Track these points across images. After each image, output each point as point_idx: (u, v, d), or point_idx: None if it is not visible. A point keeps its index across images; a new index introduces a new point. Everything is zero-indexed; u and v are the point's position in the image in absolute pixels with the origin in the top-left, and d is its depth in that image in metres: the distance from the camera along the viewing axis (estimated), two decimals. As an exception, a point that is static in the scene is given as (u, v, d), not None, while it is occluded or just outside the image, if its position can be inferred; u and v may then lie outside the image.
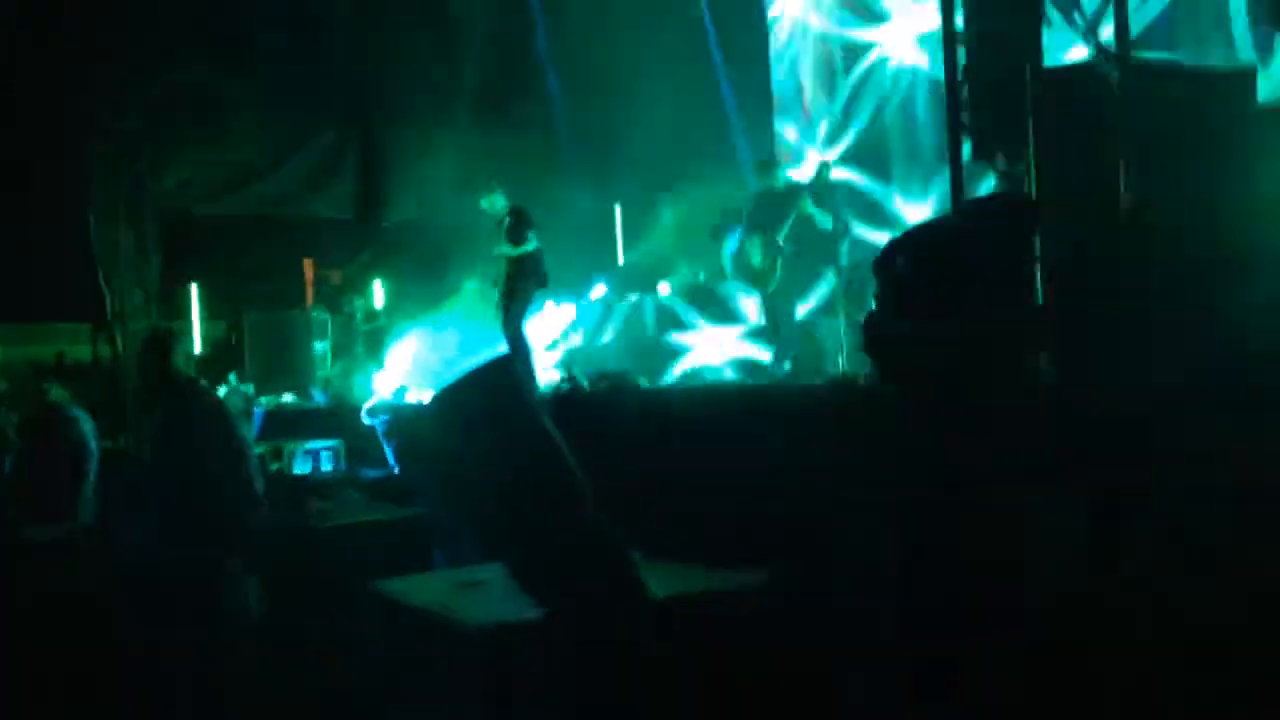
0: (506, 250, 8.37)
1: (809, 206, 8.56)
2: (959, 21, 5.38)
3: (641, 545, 3.56)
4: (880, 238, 10.37)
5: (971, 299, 2.73)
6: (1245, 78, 5.27)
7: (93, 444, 4.94)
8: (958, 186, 5.29)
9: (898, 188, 10.77)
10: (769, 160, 9.72)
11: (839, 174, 10.76)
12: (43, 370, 8.31)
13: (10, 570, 4.53)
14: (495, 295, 8.48)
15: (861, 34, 11.24)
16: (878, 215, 10.67)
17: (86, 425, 4.97)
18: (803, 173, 10.96)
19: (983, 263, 2.75)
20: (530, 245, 8.32)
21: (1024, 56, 4.83)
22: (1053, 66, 4.99)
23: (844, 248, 8.86)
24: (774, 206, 8.85)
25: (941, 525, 2.71)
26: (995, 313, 2.85)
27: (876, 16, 11.07)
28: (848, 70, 11.38)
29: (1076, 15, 5.25)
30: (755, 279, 8.98)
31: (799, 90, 11.98)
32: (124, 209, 10.49)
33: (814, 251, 8.72)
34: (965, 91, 5.12)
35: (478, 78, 11.95)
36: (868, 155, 11.02)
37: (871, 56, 11.11)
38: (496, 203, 8.55)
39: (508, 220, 8.43)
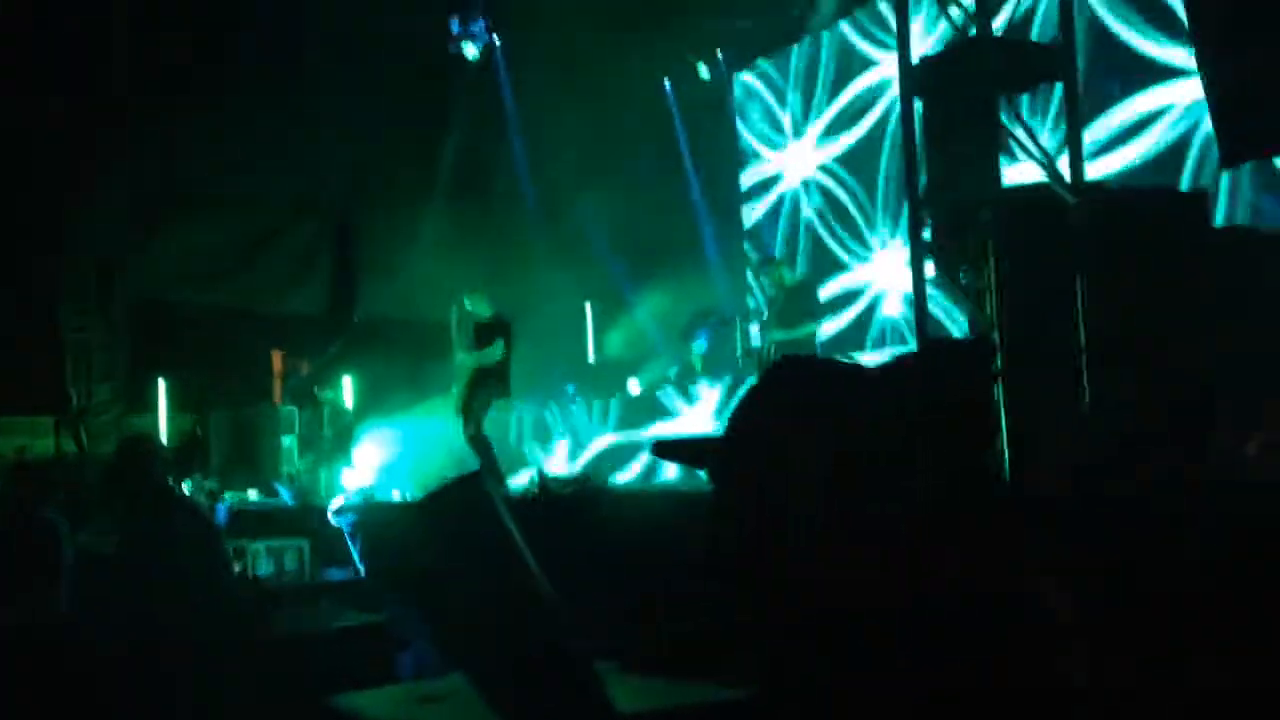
0: (467, 358, 8.21)
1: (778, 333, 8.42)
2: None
3: (607, 655, 3.54)
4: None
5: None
6: (1199, 200, 5.48)
7: (67, 547, 4.86)
8: (921, 301, 5.41)
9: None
10: (769, 258, 9.66)
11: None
12: (5, 465, 8.21)
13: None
14: (456, 396, 8.37)
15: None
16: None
17: (62, 526, 4.90)
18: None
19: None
20: (496, 355, 8.16)
21: (985, 178, 5.00)
22: (1011, 187, 5.16)
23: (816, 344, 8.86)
24: (775, 302, 8.78)
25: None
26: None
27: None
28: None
29: (1032, 142, 5.44)
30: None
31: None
32: (94, 299, 10.48)
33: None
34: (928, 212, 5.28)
35: (452, 177, 12.14)
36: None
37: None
38: (480, 308, 8.33)
39: (483, 326, 8.25)
